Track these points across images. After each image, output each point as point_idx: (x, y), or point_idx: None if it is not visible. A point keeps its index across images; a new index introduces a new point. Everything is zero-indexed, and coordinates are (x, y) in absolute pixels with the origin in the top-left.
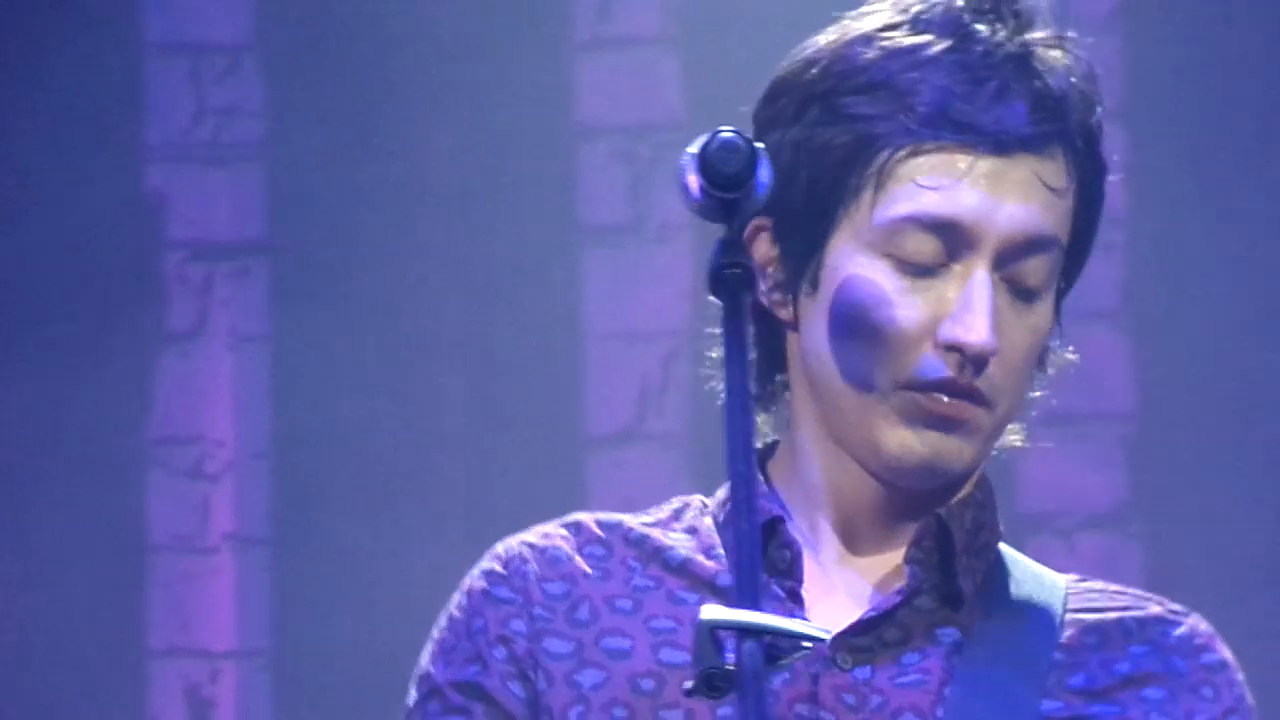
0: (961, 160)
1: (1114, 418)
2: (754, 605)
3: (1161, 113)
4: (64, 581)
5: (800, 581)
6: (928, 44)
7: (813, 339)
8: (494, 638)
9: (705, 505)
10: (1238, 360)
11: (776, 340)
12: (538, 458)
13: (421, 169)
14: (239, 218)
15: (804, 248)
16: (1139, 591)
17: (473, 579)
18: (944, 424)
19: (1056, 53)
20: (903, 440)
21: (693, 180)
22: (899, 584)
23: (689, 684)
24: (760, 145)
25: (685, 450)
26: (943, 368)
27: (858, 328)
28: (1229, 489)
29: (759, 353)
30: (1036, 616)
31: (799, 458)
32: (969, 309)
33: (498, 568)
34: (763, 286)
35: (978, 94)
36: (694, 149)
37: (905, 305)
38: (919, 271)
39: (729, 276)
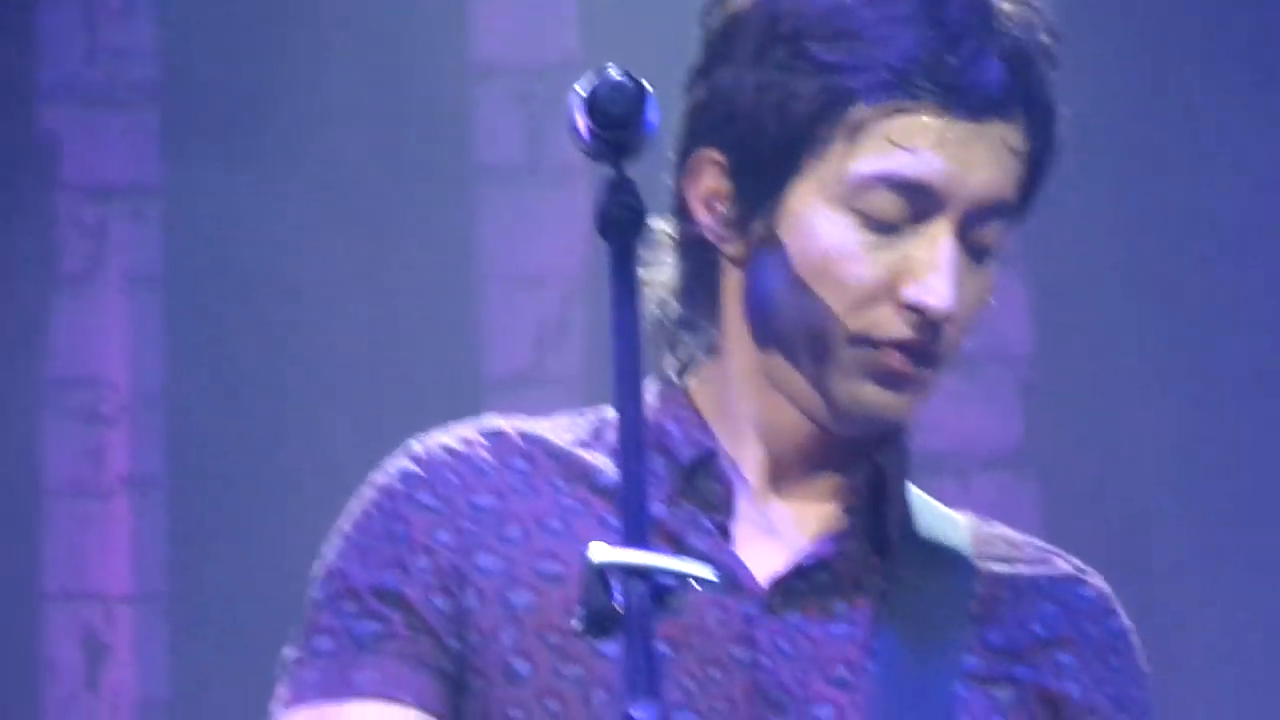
0: (936, 121)
1: (1011, 359)
2: (642, 545)
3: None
4: None
5: (732, 517)
6: None
7: (764, 281)
8: (417, 545)
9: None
10: (1132, 303)
11: (711, 270)
12: (434, 400)
13: (317, 110)
14: (132, 159)
15: (763, 190)
16: (1038, 543)
17: (389, 478)
18: (896, 381)
19: (1023, 8)
20: (853, 392)
21: (581, 121)
22: (828, 528)
23: (576, 622)
24: (648, 86)
25: (582, 393)
26: (903, 327)
27: (818, 278)
28: (1124, 430)
29: (689, 278)
30: (952, 564)
31: (729, 391)
32: (935, 272)
33: (418, 471)
34: (708, 220)
35: (953, 53)
36: (581, 90)
37: (869, 261)
38: (883, 229)
39: (617, 217)
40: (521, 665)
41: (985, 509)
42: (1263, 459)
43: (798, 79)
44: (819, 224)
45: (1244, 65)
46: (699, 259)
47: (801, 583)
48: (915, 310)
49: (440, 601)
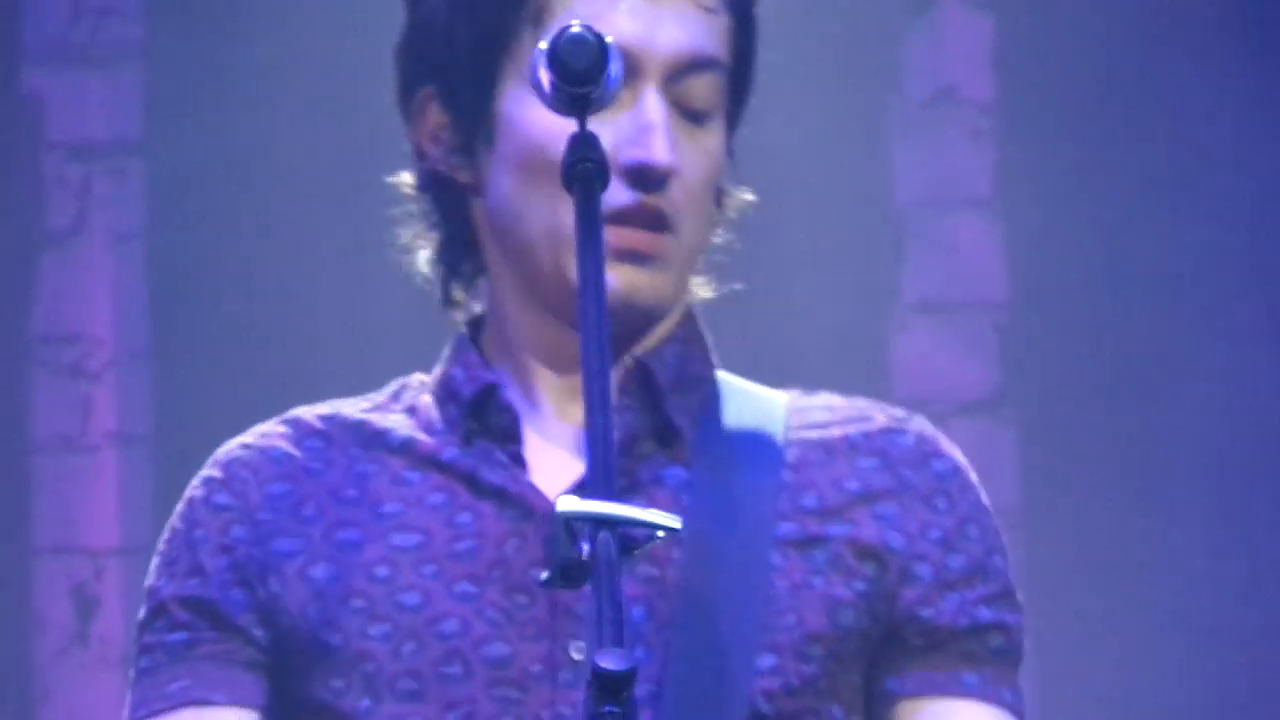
0: None
1: (988, 305)
2: (608, 496)
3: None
4: None
5: (520, 444)
6: None
7: (496, 194)
8: (215, 547)
9: (424, 383)
10: (1108, 246)
11: (462, 209)
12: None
13: (297, 67)
14: (115, 118)
15: (473, 104)
16: (863, 401)
17: (193, 488)
18: (635, 257)
19: None
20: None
21: (544, 76)
22: (615, 435)
23: (544, 574)
24: (609, 39)
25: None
26: (627, 194)
27: (537, 170)
28: (1101, 375)
29: (446, 227)
30: (760, 441)
31: (504, 324)
32: (645, 129)
33: (216, 474)
34: (437, 154)
35: None
36: (544, 44)
37: None
38: None
39: (580, 171)
40: (331, 636)
41: (965, 455)
42: (1236, 394)
43: None
44: (528, 116)
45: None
46: (446, 202)
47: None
48: (635, 172)
49: (239, 595)
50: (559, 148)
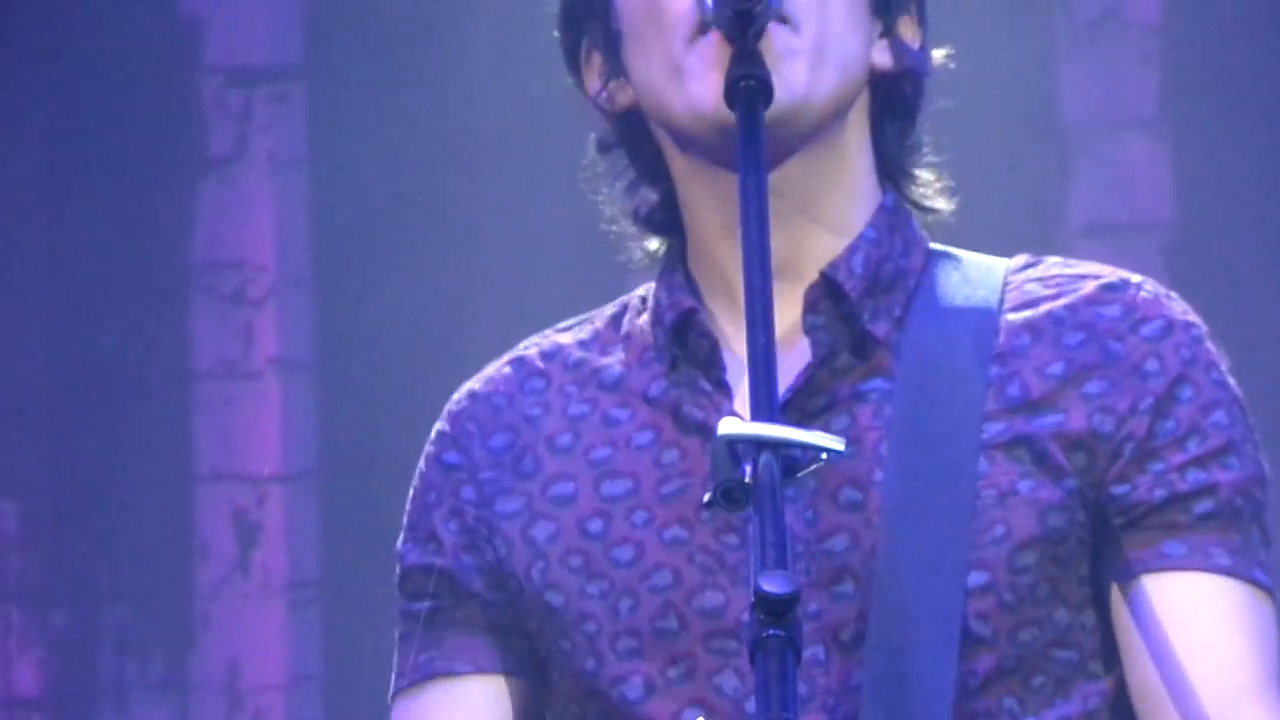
0: None
1: (1154, 226)
2: (771, 419)
3: None
4: (113, 407)
5: (723, 369)
6: None
7: (637, 76)
8: (447, 511)
9: (644, 302)
10: (1276, 169)
11: (641, 138)
12: (578, 290)
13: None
14: (275, 42)
15: (600, 13)
16: (1083, 268)
17: (430, 442)
18: (749, 60)
19: None
20: (713, 89)
21: None
22: (805, 352)
23: (707, 496)
24: None
25: None
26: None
27: (643, 21)
28: (1271, 297)
29: (637, 166)
30: (970, 332)
31: (695, 242)
32: None
33: (447, 429)
34: (604, 94)
35: None
36: None
37: None
38: None
39: (743, 89)
40: (554, 597)
41: None
42: None
43: None
44: None
45: None
46: (630, 138)
47: (789, 415)
48: None
49: (472, 560)
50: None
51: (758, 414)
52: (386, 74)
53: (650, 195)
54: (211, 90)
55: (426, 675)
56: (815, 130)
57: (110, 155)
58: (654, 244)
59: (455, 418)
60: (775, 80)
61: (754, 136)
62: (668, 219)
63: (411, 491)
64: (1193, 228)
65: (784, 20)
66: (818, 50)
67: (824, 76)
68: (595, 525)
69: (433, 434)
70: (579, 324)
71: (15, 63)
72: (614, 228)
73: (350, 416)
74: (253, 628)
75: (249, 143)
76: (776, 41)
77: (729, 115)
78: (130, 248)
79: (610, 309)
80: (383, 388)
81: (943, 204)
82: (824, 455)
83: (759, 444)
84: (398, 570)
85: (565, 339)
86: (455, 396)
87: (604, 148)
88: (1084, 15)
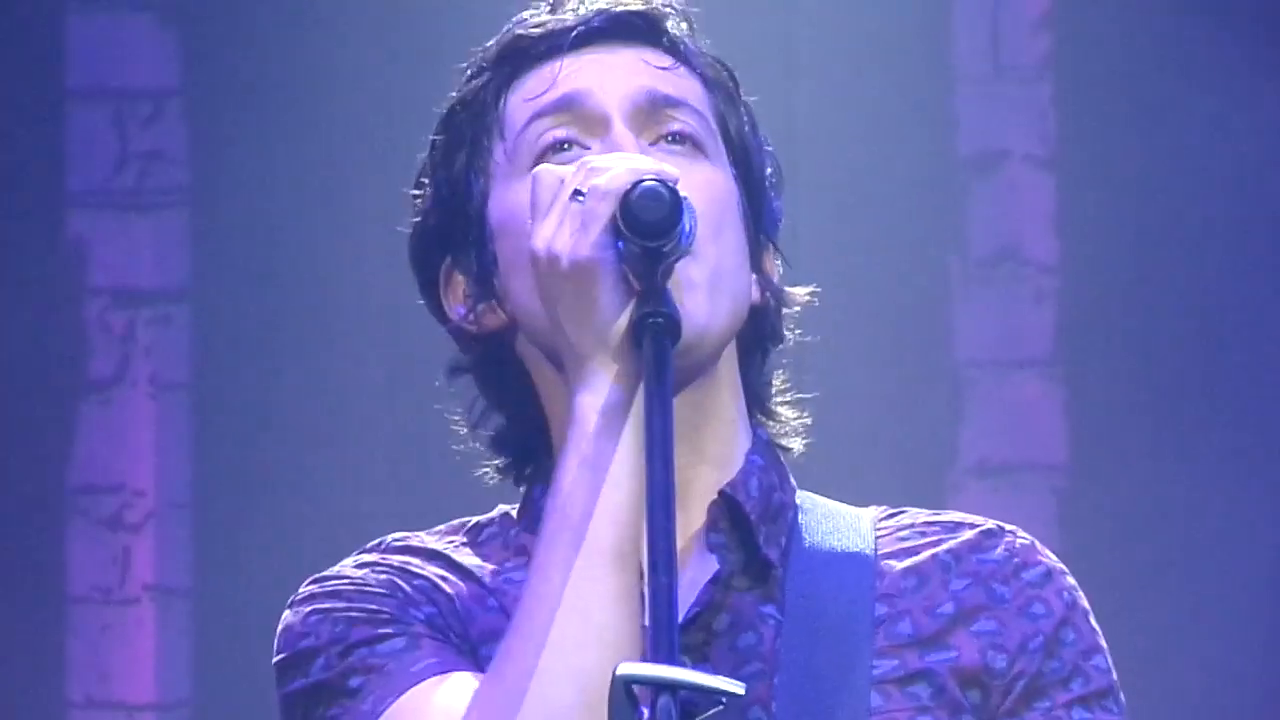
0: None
1: (1047, 467)
2: (670, 660)
3: (1091, 158)
4: None
5: None
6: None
7: (515, 296)
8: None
9: (498, 526)
10: (1165, 397)
11: (509, 364)
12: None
13: (347, 217)
14: (161, 265)
15: (474, 235)
16: (952, 517)
17: (357, 561)
18: (657, 297)
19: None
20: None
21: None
22: (708, 570)
23: None
24: (684, 193)
25: None
26: None
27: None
28: (1157, 542)
29: (490, 391)
30: (851, 572)
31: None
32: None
33: (376, 558)
34: (468, 317)
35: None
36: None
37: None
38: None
39: (652, 326)
40: None
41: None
42: None
43: (453, 138)
44: (509, 205)
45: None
46: (491, 360)
47: (698, 633)
48: None
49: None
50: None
51: (657, 654)
52: (271, 297)
53: (504, 418)
54: (95, 311)
55: (445, 670)
56: (707, 361)
57: None
58: (501, 462)
59: (382, 549)
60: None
61: (663, 375)
62: (524, 438)
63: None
64: (1085, 469)
65: (687, 251)
66: (715, 281)
67: (720, 306)
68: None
69: (361, 554)
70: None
71: None
72: (462, 446)
73: (226, 645)
74: None
75: (131, 365)
76: (679, 271)
77: (624, 340)
78: (7, 469)
79: (467, 525)
80: (260, 616)
81: (796, 444)
82: (723, 700)
83: (658, 686)
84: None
85: (432, 541)
86: (371, 545)
87: (455, 372)
88: (980, 253)
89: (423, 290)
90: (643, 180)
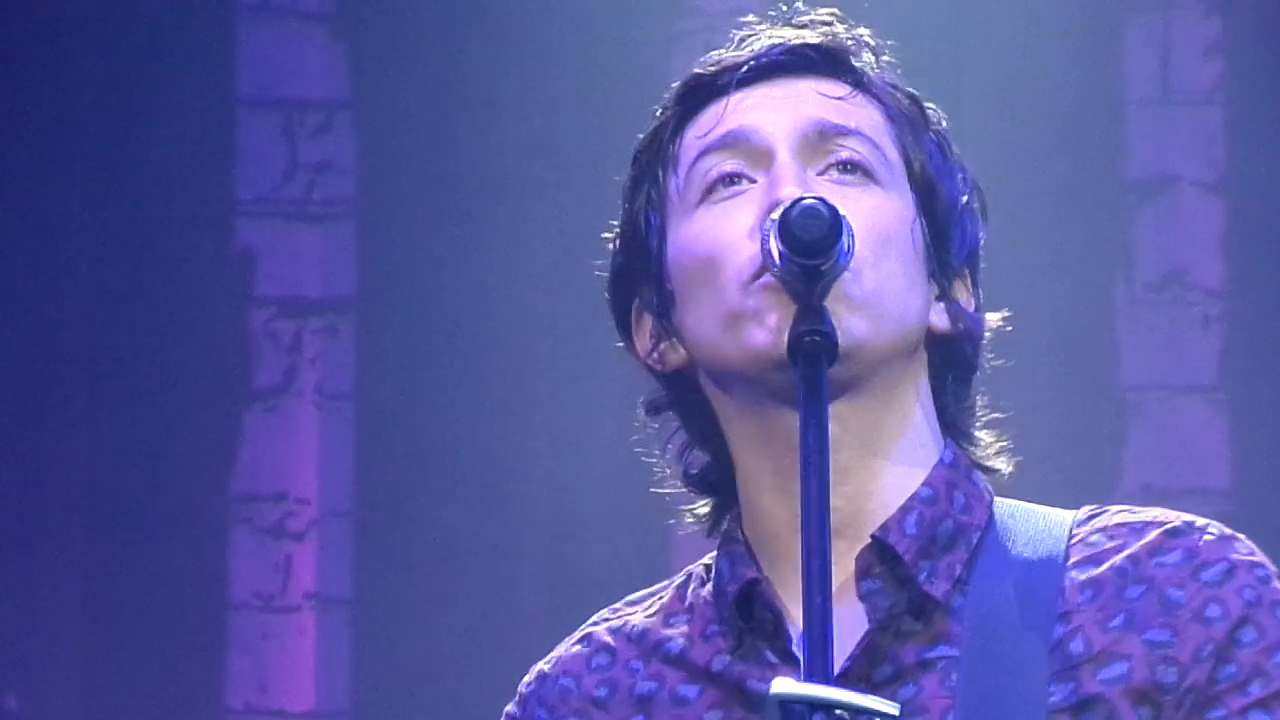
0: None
1: (1210, 492)
2: (825, 680)
3: (1260, 184)
4: (146, 637)
5: (790, 641)
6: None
7: (690, 330)
8: None
9: (707, 571)
10: None
11: (696, 403)
12: (619, 528)
13: (513, 228)
14: (328, 275)
15: (655, 272)
16: (1145, 516)
17: None
18: (814, 315)
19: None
20: (771, 330)
21: (774, 246)
22: (868, 618)
23: None
24: (843, 212)
25: None
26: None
27: (699, 273)
28: None
29: (689, 428)
30: (1035, 590)
31: (749, 509)
32: (773, 181)
33: (518, 714)
34: (655, 355)
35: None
36: (776, 215)
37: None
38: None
39: (808, 344)
40: None
41: None
42: None
43: (640, 191)
44: (682, 241)
45: None
46: (681, 398)
47: (857, 684)
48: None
49: None
50: (711, 240)
51: (812, 675)
52: (437, 309)
53: (702, 457)
54: (262, 321)
55: None
56: (870, 374)
57: (159, 382)
58: (703, 509)
59: (525, 702)
60: (835, 325)
61: (817, 390)
62: (719, 481)
63: None
64: (1249, 495)
65: (845, 269)
66: (874, 299)
67: (881, 325)
68: None
69: (504, 716)
70: (648, 597)
71: (63, 290)
72: (664, 490)
73: (385, 655)
74: None
75: (297, 374)
76: (837, 289)
77: (783, 357)
78: (174, 476)
79: (678, 579)
80: (419, 626)
81: (1001, 464)
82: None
83: (812, 705)
84: None
85: (634, 616)
86: (526, 678)
87: (654, 410)
88: (1146, 278)
89: (619, 330)
90: (802, 199)
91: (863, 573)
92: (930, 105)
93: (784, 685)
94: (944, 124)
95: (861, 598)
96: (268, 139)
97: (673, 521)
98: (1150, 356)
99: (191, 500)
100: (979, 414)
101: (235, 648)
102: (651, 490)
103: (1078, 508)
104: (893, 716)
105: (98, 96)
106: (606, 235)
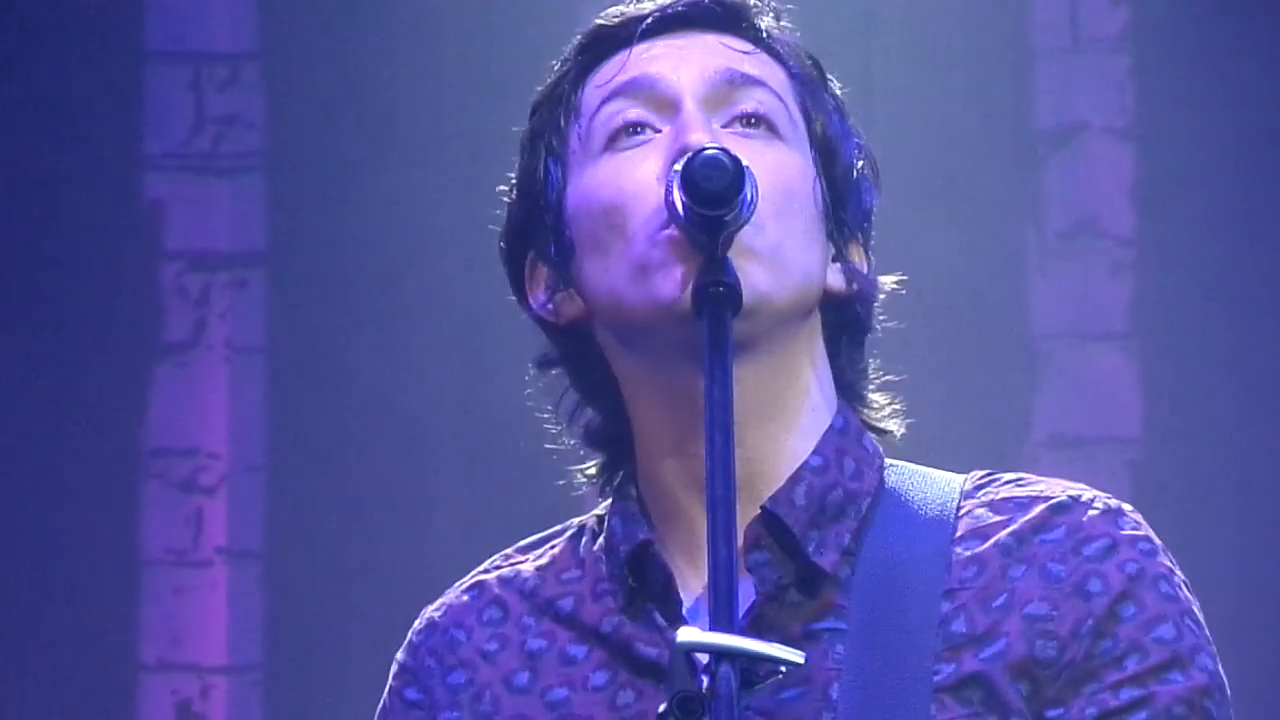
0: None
1: (1121, 440)
2: (730, 629)
3: (1169, 131)
4: (57, 593)
5: (679, 603)
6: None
7: (589, 279)
8: None
9: (601, 523)
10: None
11: (591, 356)
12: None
13: (423, 182)
14: (238, 228)
15: (552, 222)
16: (1031, 490)
17: (392, 674)
18: (718, 266)
19: None
20: (676, 281)
21: (677, 197)
22: (755, 590)
23: (662, 706)
24: (745, 163)
25: None
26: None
27: (601, 220)
28: (1233, 515)
29: (580, 383)
30: (920, 566)
31: (644, 467)
32: (680, 128)
33: (408, 662)
34: (549, 305)
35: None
36: (679, 166)
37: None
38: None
39: (712, 295)
40: None
41: None
42: None
43: (535, 146)
44: (582, 189)
45: None
46: (575, 352)
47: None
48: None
49: None
50: (617, 189)
51: (717, 624)
52: (346, 260)
53: (593, 414)
54: (171, 275)
55: None
56: (770, 331)
57: (67, 336)
58: (591, 469)
59: (415, 650)
60: (739, 277)
61: (721, 342)
62: (612, 438)
63: (379, 713)
64: (1159, 443)
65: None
66: (776, 253)
67: (784, 279)
68: None
69: (395, 663)
70: (540, 546)
71: None
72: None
73: (298, 607)
74: None
75: (206, 328)
76: (740, 240)
77: (689, 309)
78: (83, 431)
79: (571, 528)
80: (331, 578)
81: (893, 426)
82: (782, 669)
83: (718, 654)
84: None
85: (525, 566)
86: (416, 624)
87: (545, 365)
88: (1057, 226)
89: (512, 283)
90: (704, 149)
91: (751, 545)
92: (830, 77)
93: (689, 634)
94: (840, 92)
95: (750, 569)
96: (176, 92)
97: (563, 482)
98: (1061, 304)
99: (102, 455)
100: (873, 376)
101: (148, 602)
102: (547, 447)
103: (990, 456)
104: (795, 663)
105: (1, 49)
106: (503, 188)
